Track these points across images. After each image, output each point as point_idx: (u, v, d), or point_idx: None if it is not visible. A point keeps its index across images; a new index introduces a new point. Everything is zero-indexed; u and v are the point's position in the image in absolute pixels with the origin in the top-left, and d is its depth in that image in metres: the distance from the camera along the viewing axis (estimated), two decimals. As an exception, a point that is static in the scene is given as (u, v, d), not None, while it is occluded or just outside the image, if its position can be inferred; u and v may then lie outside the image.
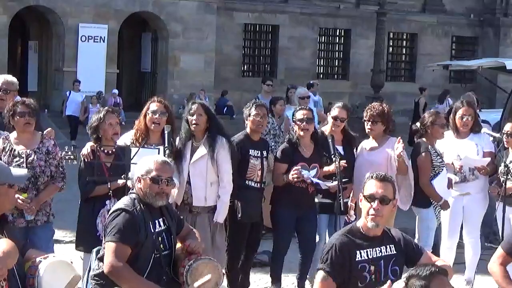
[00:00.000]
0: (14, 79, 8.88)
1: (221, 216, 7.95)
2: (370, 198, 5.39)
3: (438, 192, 8.63)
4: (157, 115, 7.78)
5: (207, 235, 7.74)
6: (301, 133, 8.39)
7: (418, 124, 8.91)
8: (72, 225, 8.09)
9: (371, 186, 5.42)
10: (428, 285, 4.46)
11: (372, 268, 5.38)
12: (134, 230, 5.78)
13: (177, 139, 7.96)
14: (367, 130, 8.55)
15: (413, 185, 8.54)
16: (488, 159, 8.96)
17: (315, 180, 8.27)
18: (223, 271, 7.64)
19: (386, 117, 8.50)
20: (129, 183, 6.85)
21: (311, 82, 19.28)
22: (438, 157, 8.73)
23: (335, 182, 8.01)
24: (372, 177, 5.47)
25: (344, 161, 8.23)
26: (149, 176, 5.92)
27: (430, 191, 8.63)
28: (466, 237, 9.28)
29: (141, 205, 5.90)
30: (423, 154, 8.60)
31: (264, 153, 8.43)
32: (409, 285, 4.54)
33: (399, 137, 8.28)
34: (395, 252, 5.53)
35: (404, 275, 4.80)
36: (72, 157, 7.65)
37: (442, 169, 8.71)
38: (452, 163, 8.94)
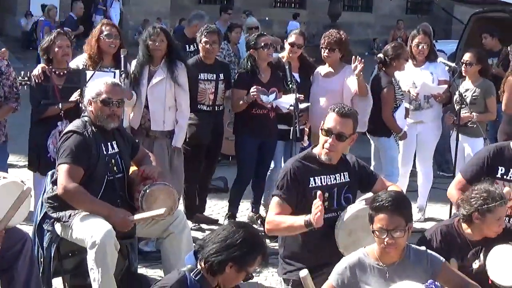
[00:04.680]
0: None
1: (179, 140, 7.91)
2: (327, 132, 5.40)
3: (398, 123, 8.69)
4: (112, 38, 7.74)
5: (165, 160, 7.72)
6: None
7: (381, 55, 8.88)
8: (26, 149, 8.02)
9: (331, 120, 5.41)
10: None
11: (325, 195, 5.39)
12: (86, 152, 5.78)
13: (133, 63, 7.88)
14: (323, 57, 8.51)
15: (371, 112, 8.54)
16: (445, 87, 9.02)
17: (276, 101, 8.24)
18: (180, 196, 7.67)
19: (343, 45, 8.47)
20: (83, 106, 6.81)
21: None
22: (399, 89, 8.76)
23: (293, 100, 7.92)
24: (333, 110, 5.45)
25: (302, 96, 8.15)
26: (99, 99, 5.91)
27: (393, 124, 8.67)
28: (419, 165, 9.39)
29: (93, 127, 5.89)
30: (386, 88, 8.60)
31: (221, 75, 8.38)
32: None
33: (357, 56, 8.21)
34: (348, 179, 5.56)
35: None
36: (28, 82, 7.56)
37: (403, 101, 8.75)
38: (409, 91, 8.98)
